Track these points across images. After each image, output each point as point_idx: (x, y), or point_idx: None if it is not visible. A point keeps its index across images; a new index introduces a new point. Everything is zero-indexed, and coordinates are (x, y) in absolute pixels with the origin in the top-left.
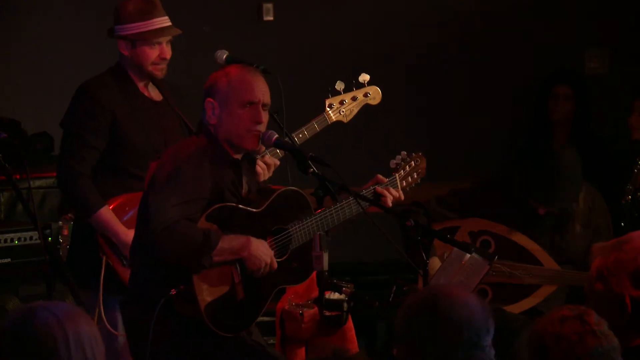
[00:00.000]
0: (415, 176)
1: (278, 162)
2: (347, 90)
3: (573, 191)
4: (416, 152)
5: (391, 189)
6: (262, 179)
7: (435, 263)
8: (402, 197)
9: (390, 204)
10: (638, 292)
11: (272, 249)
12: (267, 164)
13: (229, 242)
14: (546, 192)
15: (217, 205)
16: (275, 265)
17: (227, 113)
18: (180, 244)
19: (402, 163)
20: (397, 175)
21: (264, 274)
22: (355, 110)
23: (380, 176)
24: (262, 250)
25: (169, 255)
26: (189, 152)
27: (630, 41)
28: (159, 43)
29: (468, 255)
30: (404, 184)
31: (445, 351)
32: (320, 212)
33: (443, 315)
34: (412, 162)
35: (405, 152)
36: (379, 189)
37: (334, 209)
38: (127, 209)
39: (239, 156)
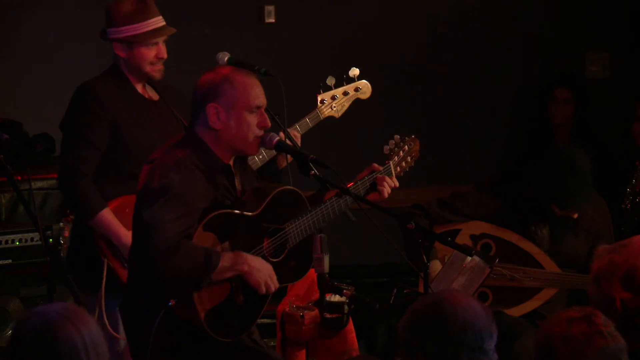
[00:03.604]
0: (409, 160)
1: (299, 134)
2: (338, 85)
3: (588, 193)
4: (409, 135)
5: (387, 179)
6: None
7: (436, 266)
8: (397, 185)
9: (387, 195)
10: (627, 294)
11: (270, 250)
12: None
13: (229, 261)
14: (568, 200)
15: (213, 214)
16: (277, 284)
17: (235, 119)
18: (182, 267)
19: (396, 148)
20: (391, 162)
21: (268, 290)
22: (347, 105)
23: (375, 165)
24: (263, 267)
25: (169, 276)
26: (178, 161)
27: (631, 45)
28: (156, 43)
29: (469, 258)
30: (399, 169)
31: (449, 354)
32: (314, 209)
33: (447, 318)
34: (406, 146)
35: (399, 136)
36: (380, 177)
37: (329, 203)
38: (126, 210)
39: (230, 160)
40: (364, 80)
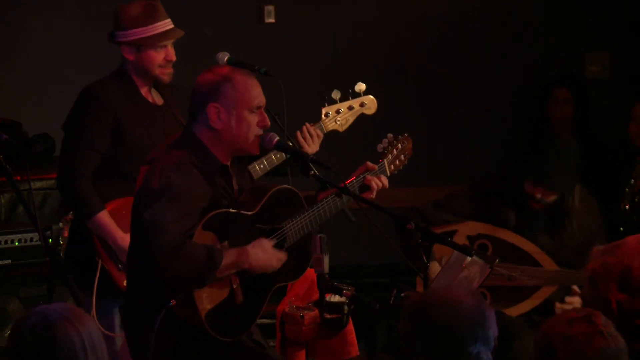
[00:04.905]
0: (403, 158)
1: (322, 134)
2: (343, 99)
3: (570, 177)
4: (402, 134)
5: (382, 178)
6: (309, 151)
7: (434, 267)
8: (387, 186)
9: (374, 195)
10: (623, 295)
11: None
12: (310, 135)
13: (231, 258)
14: (544, 173)
15: (212, 214)
16: (284, 258)
17: (236, 118)
18: (185, 267)
19: (389, 147)
20: (385, 160)
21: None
22: (351, 120)
23: (369, 163)
24: (265, 257)
25: (171, 276)
26: (177, 161)
27: (631, 45)
28: (164, 46)
29: (469, 259)
30: (392, 167)
31: (425, 356)
32: (311, 208)
33: (422, 321)
34: (399, 145)
35: (392, 135)
36: (369, 177)
37: (326, 202)
38: (123, 212)
39: (228, 161)
40: (370, 96)
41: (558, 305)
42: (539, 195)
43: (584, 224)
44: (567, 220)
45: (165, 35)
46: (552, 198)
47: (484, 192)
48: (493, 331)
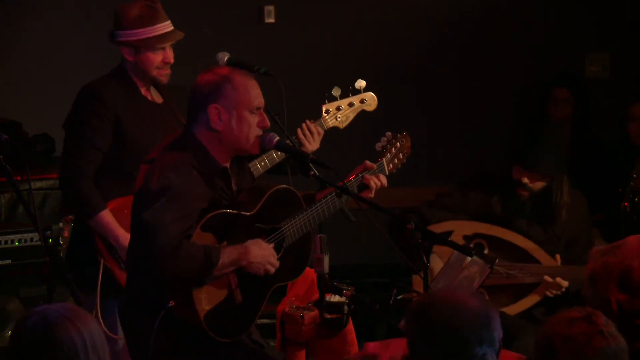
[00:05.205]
0: (401, 156)
1: (322, 131)
2: (343, 96)
3: (559, 160)
4: (401, 132)
5: (381, 177)
6: (309, 149)
7: (436, 261)
8: (385, 184)
9: (373, 194)
10: (623, 295)
11: None
12: (311, 132)
13: (228, 256)
14: (533, 155)
15: (210, 215)
16: (277, 263)
17: (237, 119)
18: (184, 267)
19: (388, 145)
20: (384, 159)
21: (268, 274)
22: (352, 117)
23: (368, 162)
24: (262, 254)
25: (171, 276)
26: (176, 161)
27: (631, 45)
28: (162, 48)
29: (469, 259)
30: (391, 166)
31: (425, 356)
32: (310, 207)
33: (425, 322)
34: (398, 143)
35: (390, 133)
36: (367, 176)
37: (324, 201)
38: (125, 211)
39: (227, 163)
40: (370, 93)
41: (547, 278)
42: (525, 180)
43: (574, 218)
44: (557, 212)
45: (163, 37)
46: (539, 185)
47: (474, 187)
48: (498, 333)
